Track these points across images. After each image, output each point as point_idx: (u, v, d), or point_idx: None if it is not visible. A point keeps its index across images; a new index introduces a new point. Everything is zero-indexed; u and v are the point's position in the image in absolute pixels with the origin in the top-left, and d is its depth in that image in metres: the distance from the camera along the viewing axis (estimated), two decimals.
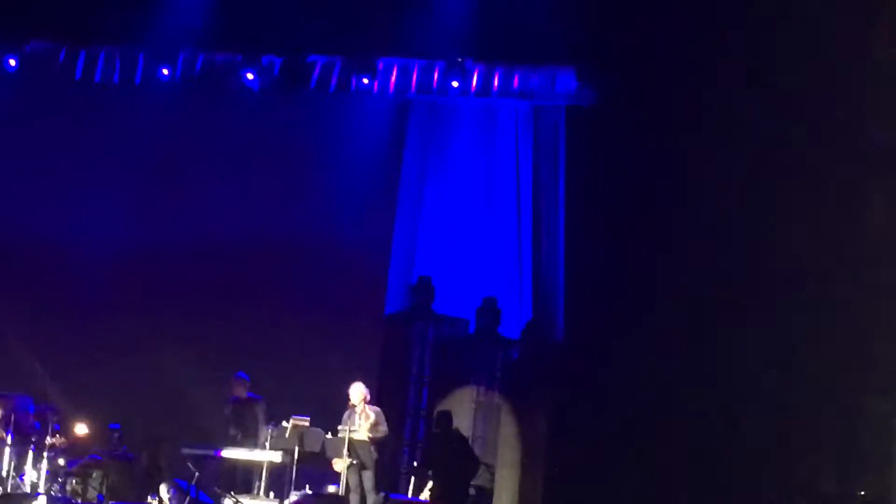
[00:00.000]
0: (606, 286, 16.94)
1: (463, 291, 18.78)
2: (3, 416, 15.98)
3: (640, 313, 16.53)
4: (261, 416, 16.56)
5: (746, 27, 16.12)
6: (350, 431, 15.84)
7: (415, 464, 16.73)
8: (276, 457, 15.91)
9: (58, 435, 16.26)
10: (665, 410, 15.80)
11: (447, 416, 16.20)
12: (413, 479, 16.74)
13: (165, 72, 18.87)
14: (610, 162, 17.23)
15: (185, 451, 16.03)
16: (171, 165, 19.15)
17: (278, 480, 16.05)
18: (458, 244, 19.01)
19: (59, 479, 16.18)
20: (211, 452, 16.01)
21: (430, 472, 16.20)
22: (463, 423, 17.05)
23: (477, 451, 17.09)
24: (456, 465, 15.39)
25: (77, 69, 18.96)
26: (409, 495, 16.53)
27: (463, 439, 15.66)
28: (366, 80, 18.44)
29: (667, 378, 15.91)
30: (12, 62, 18.95)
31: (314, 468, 16.24)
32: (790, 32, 15.92)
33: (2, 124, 19.22)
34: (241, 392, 16.88)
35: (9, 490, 15.43)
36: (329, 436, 15.94)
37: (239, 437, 16.58)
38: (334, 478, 16.08)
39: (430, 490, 16.12)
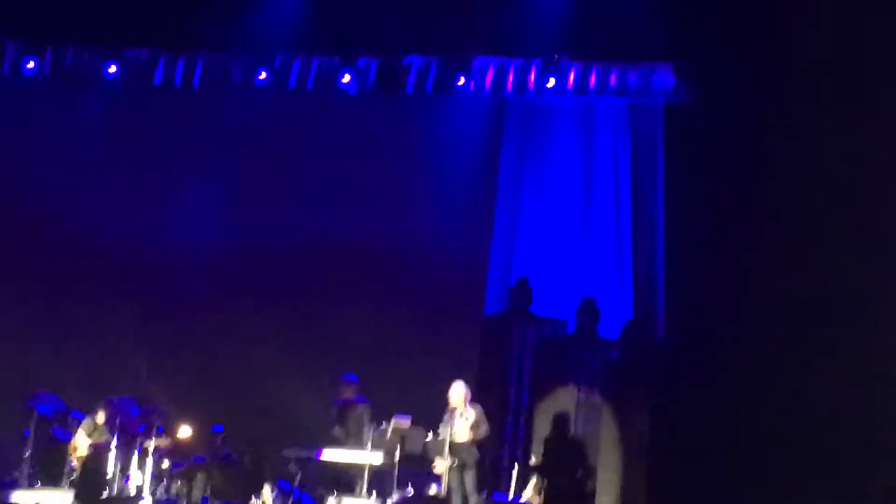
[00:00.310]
0: (707, 285, 16.81)
1: (562, 292, 18.73)
2: (108, 419, 16.15)
3: (740, 312, 16.38)
4: (366, 419, 16.57)
5: (850, 22, 15.91)
6: (451, 432, 15.85)
7: (531, 461, 16.61)
8: (378, 458, 15.94)
9: (162, 437, 16.42)
10: (768, 409, 15.64)
11: (565, 419, 16.05)
12: (515, 478, 16.67)
13: (262, 76, 19.01)
14: (708, 159, 17.08)
15: (288, 452, 16.12)
16: (270, 169, 19.30)
17: (381, 481, 16.07)
18: (556, 244, 18.95)
19: (164, 481, 16.33)
20: (313, 454, 16.07)
21: (537, 472, 16.12)
22: (562, 424, 16.98)
23: None
24: (571, 469, 15.32)
25: (176, 75, 19.14)
26: (511, 495, 16.47)
27: (579, 444, 15.56)
28: (462, 80, 18.45)
29: (769, 377, 15.74)
30: (112, 69, 19.19)
31: (416, 469, 16.25)
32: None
33: (102, 131, 19.45)
34: (350, 395, 16.90)
35: (114, 492, 15.59)
36: (430, 437, 15.95)
37: (343, 438, 16.61)
38: (436, 478, 16.08)
39: (534, 489, 16.05)
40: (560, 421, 16.90)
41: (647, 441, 16.70)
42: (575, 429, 15.97)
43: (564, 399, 17.78)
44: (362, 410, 16.75)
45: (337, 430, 16.76)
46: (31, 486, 15.97)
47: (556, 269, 18.89)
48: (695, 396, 16.08)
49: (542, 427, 17.46)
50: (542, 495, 15.77)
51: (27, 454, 16.52)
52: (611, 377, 17.82)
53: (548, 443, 16.30)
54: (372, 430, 16.13)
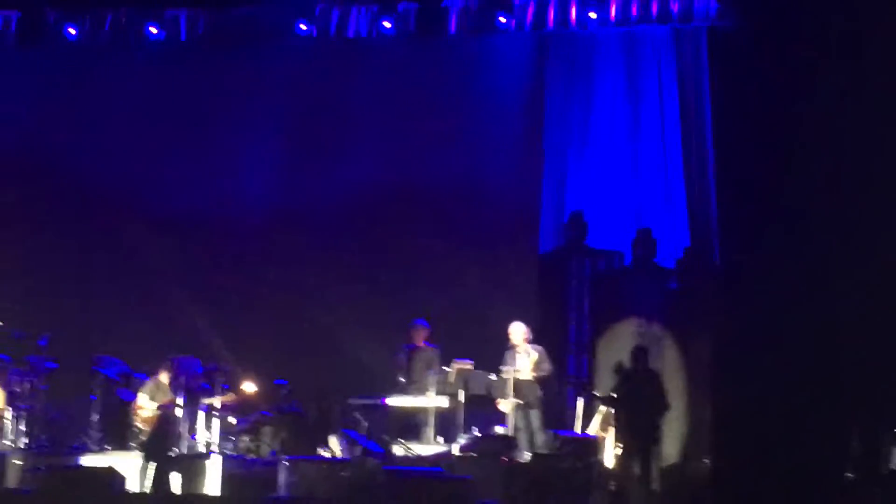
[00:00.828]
0: (761, 207, 16.64)
1: (616, 224, 18.67)
2: (172, 379, 16.24)
3: (797, 233, 16.23)
4: (434, 364, 16.57)
5: None
6: (513, 371, 15.87)
7: (595, 396, 16.59)
8: (443, 402, 15.99)
9: (227, 394, 16.51)
10: (834, 329, 15.51)
11: (643, 352, 15.92)
12: (580, 414, 16.66)
13: (303, 27, 18.98)
14: (755, 82, 16.88)
15: (354, 401, 16.19)
16: (318, 120, 19.31)
17: (446, 425, 16.13)
18: (607, 177, 18.88)
19: (232, 438, 16.43)
20: (378, 401, 16.13)
21: (602, 407, 16.08)
22: (624, 356, 16.93)
23: None
24: (636, 401, 15.25)
25: (217, 32, 19.19)
26: (577, 431, 16.47)
27: (643, 375, 15.47)
28: (503, 19, 18.36)
29: (832, 296, 15.61)
30: (153, 30, 19.23)
31: (481, 411, 16.29)
32: None
33: (147, 92, 19.51)
34: (419, 340, 16.92)
35: (183, 451, 15.69)
36: (493, 377, 15.97)
37: (407, 384, 16.63)
38: (501, 419, 16.11)
39: (600, 424, 16.03)
40: (622, 354, 16.82)
41: (711, 368, 16.59)
42: (637, 360, 15.86)
43: (625, 331, 17.70)
44: (431, 355, 16.76)
45: (403, 377, 16.77)
46: (100, 449, 16.09)
47: (608, 201, 18.83)
48: (757, 321, 15.95)
49: (605, 361, 17.41)
50: (609, 429, 15.74)
51: (94, 418, 16.64)
52: (670, 307, 17.74)
53: (611, 376, 16.22)
54: (433, 374, 16.18)
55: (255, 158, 19.29)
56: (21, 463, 15.14)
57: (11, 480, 14.73)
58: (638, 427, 15.20)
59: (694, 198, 18.39)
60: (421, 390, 16.36)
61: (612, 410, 15.77)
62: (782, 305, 15.68)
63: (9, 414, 16.23)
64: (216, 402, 16.31)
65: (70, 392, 17.04)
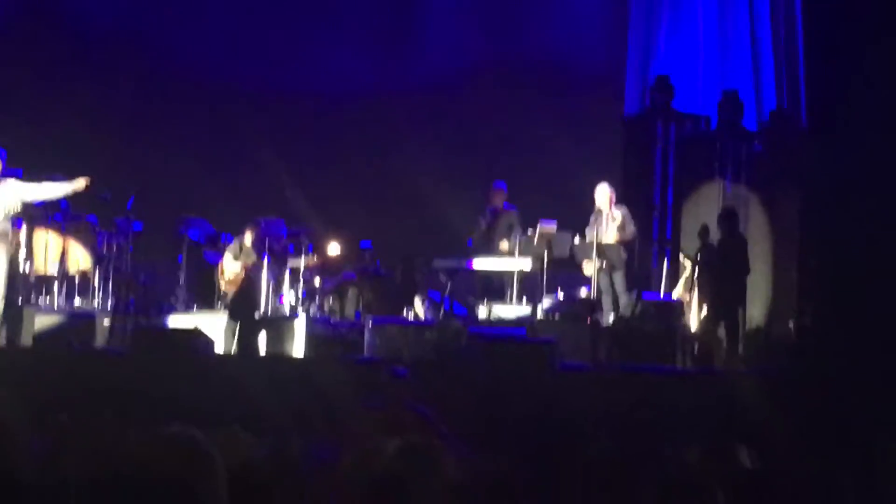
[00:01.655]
0: (849, 69, 16.35)
1: (702, 87, 18.46)
2: (256, 241, 16.31)
3: (885, 96, 15.94)
4: (515, 226, 16.57)
5: None
6: (598, 234, 15.81)
7: (679, 259, 16.53)
8: (527, 264, 15.97)
9: (312, 256, 16.58)
10: None
11: (729, 214, 15.74)
12: (665, 276, 16.63)
13: None
14: None
15: (438, 263, 16.20)
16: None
17: (530, 287, 16.13)
18: (693, 39, 18.62)
19: (317, 299, 16.53)
20: (463, 263, 16.14)
21: (687, 269, 16.02)
22: (710, 219, 16.81)
23: None
24: (722, 263, 15.16)
25: None
26: (661, 294, 16.44)
27: (728, 238, 15.32)
28: None
29: None
30: None
31: (564, 273, 16.27)
32: None
33: None
34: (499, 202, 16.87)
35: (268, 312, 15.82)
36: (577, 240, 15.92)
37: (488, 246, 16.63)
38: (585, 281, 16.10)
39: (684, 286, 15.99)
40: (707, 217, 16.70)
41: (797, 231, 16.43)
42: (723, 223, 15.74)
43: (710, 194, 17.58)
44: (513, 218, 16.74)
45: (486, 240, 16.75)
46: (186, 310, 16.27)
47: (694, 63, 18.59)
48: (844, 182, 15.75)
49: (689, 224, 17.32)
50: (693, 292, 15.69)
51: (181, 280, 16.81)
52: (756, 170, 17.57)
53: (696, 239, 16.13)
54: (519, 236, 16.15)
55: (348, 37, 19.28)
56: (109, 324, 15.32)
57: (99, 341, 14.93)
58: (723, 290, 15.13)
59: (781, 59, 18.11)
60: (506, 253, 16.37)
61: (697, 273, 15.71)
62: (870, 166, 15.45)
63: (96, 275, 16.41)
64: (301, 264, 16.39)
65: (157, 254, 17.21)
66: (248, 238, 16.33)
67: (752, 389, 12.06)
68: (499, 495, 2.30)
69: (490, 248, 16.56)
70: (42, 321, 14.73)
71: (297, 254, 16.52)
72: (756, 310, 16.46)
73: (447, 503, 2.31)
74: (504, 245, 16.37)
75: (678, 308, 15.57)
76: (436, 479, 2.30)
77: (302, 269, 16.38)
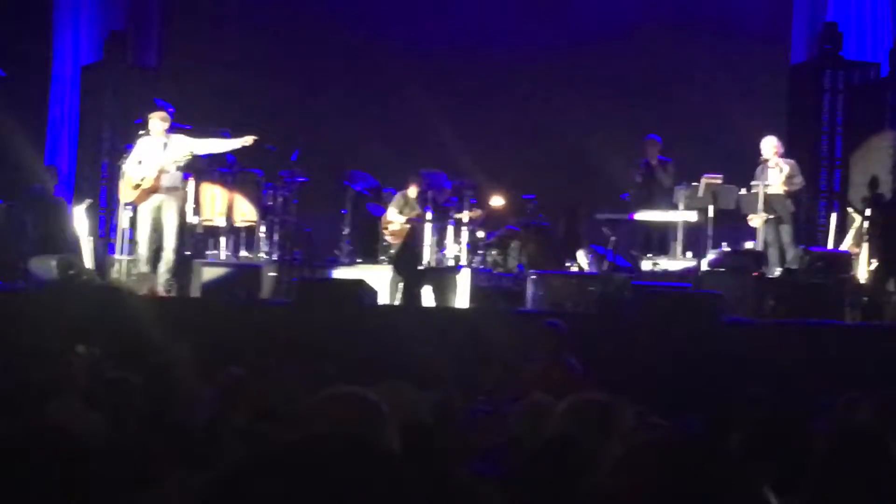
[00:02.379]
0: None
1: (872, 34, 18.04)
2: (420, 193, 16.37)
3: None
4: (671, 178, 16.42)
5: None
6: (764, 186, 15.57)
7: (848, 211, 16.23)
8: (691, 216, 15.81)
9: (475, 208, 16.58)
10: None
11: (882, 165, 15.44)
12: (833, 229, 16.34)
13: None
14: None
15: (601, 216, 16.10)
16: None
17: (695, 240, 15.97)
18: None
19: (479, 252, 16.54)
20: (625, 216, 16.03)
21: (856, 221, 15.72)
22: (880, 171, 16.46)
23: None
24: (892, 216, 14.83)
25: None
26: (830, 246, 16.15)
27: None
28: None
29: None
30: None
31: (730, 225, 16.07)
32: None
33: None
34: (653, 155, 16.72)
35: (432, 264, 15.88)
36: (743, 192, 15.70)
37: (642, 199, 16.47)
38: (751, 234, 15.88)
39: (853, 239, 15.69)
40: (876, 168, 16.36)
41: None
42: (894, 174, 15.41)
43: (879, 145, 17.22)
44: (668, 169, 16.59)
45: (642, 192, 16.60)
46: (351, 262, 16.40)
47: (863, 10, 18.19)
48: None
49: (858, 175, 16.99)
50: (862, 245, 15.38)
51: (345, 232, 16.95)
52: None
53: (865, 191, 15.80)
54: (682, 188, 15.99)
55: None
56: (275, 275, 15.52)
57: (266, 292, 15.12)
58: (893, 242, 14.81)
59: None
60: (665, 205, 16.22)
61: (867, 225, 15.40)
62: None
63: (262, 227, 16.63)
64: (464, 216, 16.41)
65: (321, 206, 17.37)
66: (412, 191, 16.40)
67: None
68: (674, 458, 2.26)
69: (646, 201, 16.39)
70: (209, 273, 14.97)
71: (461, 206, 16.53)
72: None
73: (623, 466, 2.27)
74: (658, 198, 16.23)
75: (847, 261, 15.27)
76: (611, 440, 2.27)
77: (465, 221, 16.40)
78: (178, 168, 14.86)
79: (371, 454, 2.04)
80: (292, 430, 3.47)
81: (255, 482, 2.01)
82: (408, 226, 16.10)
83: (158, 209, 14.74)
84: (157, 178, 14.66)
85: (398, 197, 16.49)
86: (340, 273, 15.72)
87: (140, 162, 14.79)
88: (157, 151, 14.77)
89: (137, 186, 14.76)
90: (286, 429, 3.56)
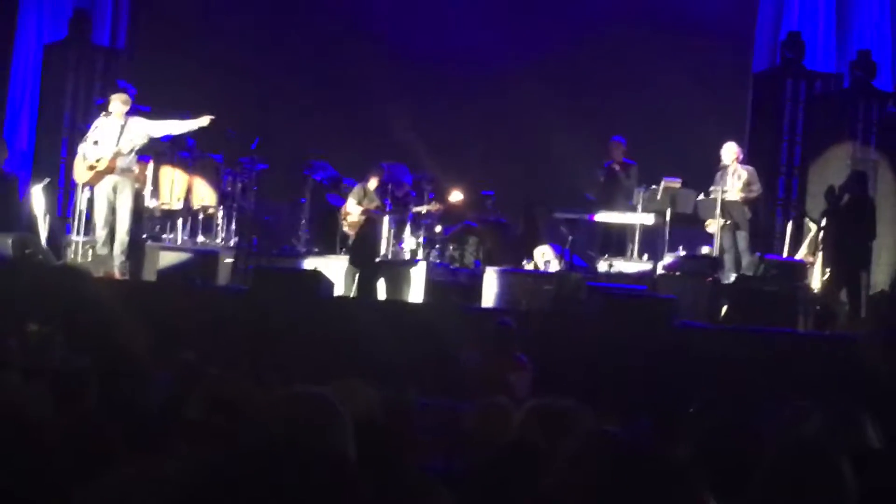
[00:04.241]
0: None
1: (835, 45, 18.14)
2: (379, 186, 16.38)
3: None
4: (633, 181, 16.50)
5: None
6: (722, 192, 15.64)
7: (805, 220, 16.32)
8: (649, 219, 15.87)
9: (433, 203, 16.61)
10: None
11: (859, 176, 15.55)
12: (789, 237, 16.44)
13: None
14: None
15: (560, 215, 16.14)
16: None
17: (651, 242, 16.04)
18: None
19: (437, 246, 16.57)
20: (584, 216, 16.07)
21: (812, 231, 15.81)
22: (837, 181, 16.56)
23: None
24: (846, 227, 14.94)
25: None
26: (785, 254, 16.25)
27: (856, 200, 15.06)
28: None
29: None
30: None
31: (687, 230, 16.15)
32: None
33: None
34: (618, 156, 16.76)
35: (388, 257, 15.90)
36: (701, 197, 15.78)
37: (605, 200, 16.51)
38: (707, 239, 15.96)
39: (808, 248, 15.78)
40: (834, 178, 16.45)
41: None
42: (851, 185, 15.49)
43: (838, 155, 17.30)
44: (631, 173, 16.65)
45: (602, 194, 16.65)
46: (308, 252, 16.39)
47: (827, 20, 18.27)
48: None
49: (816, 185, 17.08)
50: (817, 254, 15.48)
51: (303, 221, 16.94)
52: (888, 131, 17.23)
53: (822, 200, 15.90)
54: (641, 190, 16.05)
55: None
56: (231, 261, 15.50)
57: (222, 278, 15.11)
58: (847, 252, 14.92)
59: None
60: (624, 207, 16.27)
61: (822, 235, 15.50)
62: None
63: (220, 213, 16.60)
64: (423, 210, 16.44)
65: (280, 195, 17.35)
66: (372, 182, 16.38)
67: (874, 355, 11.88)
68: (623, 464, 2.29)
69: (608, 203, 16.44)
70: (166, 257, 14.94)
71: (420, 200, 16.56)
72: (881, 275, 16.20)
73: (569, 470, 2.30)
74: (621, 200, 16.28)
75: (801, 269, 15.37)
76: (569, 446, 2.30)
77: (423, 213, 16.42)
78: (133, 151, 14.81)
79: (327, 463, 2.06)
80: (249, 427, 3.48)
81: (214, 487, 2.03)
82: (366, 218, 16.08)
83: (113, 190, 14.68)
84: (113, 160, 14.60)
85: (357, 188, 16.46)
86: (297, 262, 15.71)
87: (96, 142, 14.73)
88: (115, 133, 14.70)
89: (92, 168, 14.70)
90: (243, 424, 3.57)
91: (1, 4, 18.55)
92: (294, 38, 19.43)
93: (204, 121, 14.94)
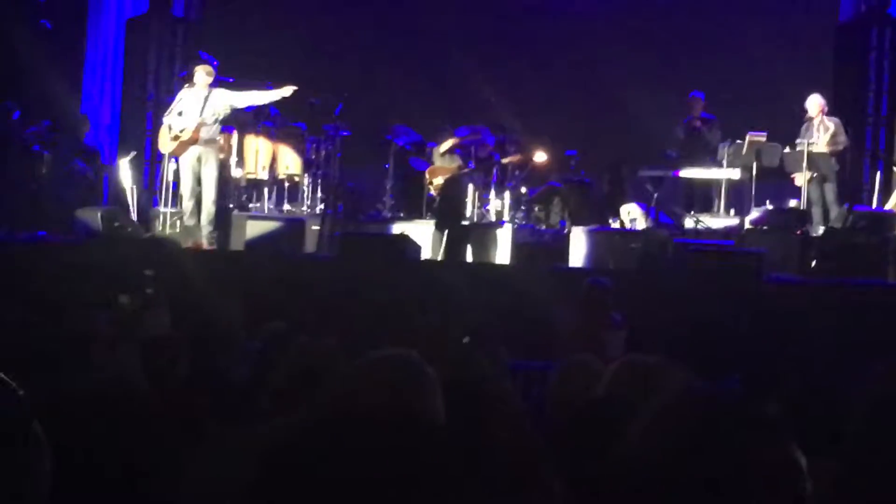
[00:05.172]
0: None
1: None
2: (459, 147, 16.37)
3: None
4: (716, 135, 16.38)
5: None
6: (809, 144, 15.49)
7: (894, 169, 16.13)
8: (735, 174, 15.76)
9: (516, 154, 16.59)
10: None
11: None
12: (878, 188, 16.26)
13: None
14: None
15: (644, 172, 16.07)
16: None
17: (738, 197, 15.93)
18: None
19: (522, 207, 16.55)
20: (669, 173, 15.99)
21: None
22: None
23: None
24: None
25: None
26: (874, 205, 16.07)
27: None
28: None
29: None
30: None
31: (774, 183, 16.02)
32: None
33: None
34: (697, 112, 16.65)
35: (474, 219, 15.90)
36: (787, 150, 15.64)
37: (686, 156, 16.39)
38: (795, 192, 15.82)
39: None
40: None
41: None
42: None
43: None
44: (713, 127, 16.53)
45: (684, 150, 16.54)
46: (393, 217, 16.43)
47: None
48: None
49: None
50: None
51: (388, 186, 16.98)
52: None
53: None
54: (726, 145, 15.93)
55: None
56: (318, 228, 15.56)
57: (309, 245, 15.18)
58: None
59: None
60: (705, 163, 16.15)
61: None
62: None
63: (305, 180, 16.69)
64: (506, 161, 16.43)
65: (364, 160, 17.39)
66: (444, 146, 16.40)
67: None
68: (711, 418, 2.29)
69: (690, 159, 16.33)
70: (253, 226, 15.04)
71: (503, 164, 16.55)
72: None
73: (666, 425, 2.30)
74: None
75: (890, 220, 15.17)
76: (656, 401, 2.29)
77: (507, 174, 16.41)
78: (217, 121, 14.96)
79: (416, 430, 2.07)
80: (335, 395, 3.50)
81: (302, 455, 2.05)
82: (450, 181, 16.07)
83: (198, 161, 14.83)
84: (196, 131, 14.76)
85: (442, 149, 16.51)
86: (383, 227, 15.76)
87: (180, 114, 14.89)
88: (198, 104, 14.86)
89: (177, 138, 14.86)
90: (328, 392, 3.59)
91: None
92: (372, 3, 19.44)
93: (287, 91, 15.04)
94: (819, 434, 3.93)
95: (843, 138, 15.77)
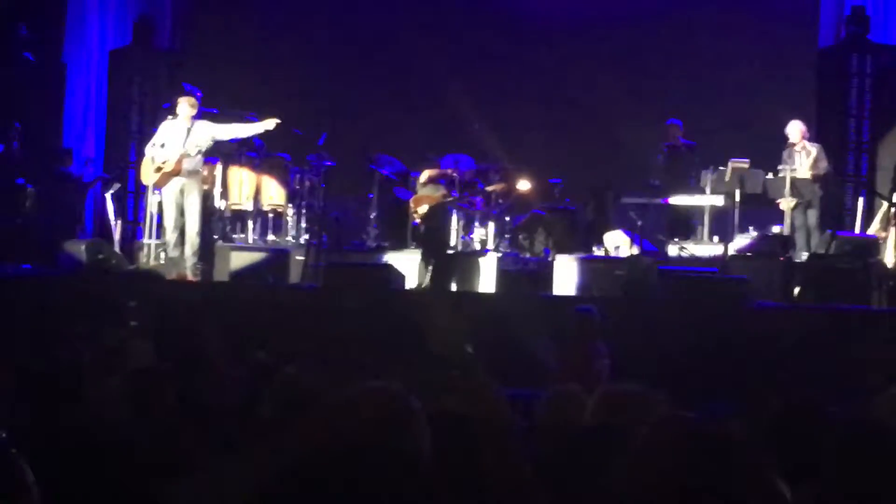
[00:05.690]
0: None
1: None
2: (442, 176, 16.39)
3: None
4: (695, 162, 16.42)
5: None
6: (791, 170, 15.55)
7: (875, 196, 16.17)
8: (719, 200, 15.81)
9: (499, 183, 16.60)
10: None
11: None
12: (860, 213, 16.31)
13: None
14: None
15: (628, 199, 16.10)
16: None
17: (721, 224, 15.96)
18: None
19: (506, 235, 16.56)
20: (655, 200, 16.02)
21: (883, 206, 15.68)
22: None
23: None
24: None
25: None
26: (857, 231, 16.12)
27: None
28: None
29: None
30: None
31: (757, 210, 16.07)
32: None
33: None
34: (675, 138, 16.70)
35: (458, 248, 15.90)
36: (770, 176, 15.69)
37: (667, 183, 16.43)
38: (778, 218, 15.87)
39: (880, 223, 15.64)
40: None
41: None
42: None
43: None
44: (692, 154, 16.57)
45: (665, 176, 16.57)
46: (378, 247, 16.42)
47: None
48: None
49: (886, 160, 16.94)
50: (890, 229, 15.33)
51: (372, 216, 16.99)
52: None
53: (892, 175, 15.76)
54: (708, 172, 15.97)
55: None
56: (302, 259, 15.55)
57: (293, 276, 15.18)
58: None
59: None
60: (684, 189, 16.19)
61: (893, 210, 15.36)
62: None
63: (290, 211, 16.70)
64: (489, 189, 16.44)
65: (348, 191, 17.40)
66: (423, 176, 16.45)
67: None
68: (694, 447, 2.30)
69: (673, 186, 16.36)
70: (237, 257, 15.04)
71: (487, 193, 16.56)
72: None
73: (651, 453, 2.32)
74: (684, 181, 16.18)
75: (874, 245, 15.22)
76: (642, 430, 2.31)
77: (490, 196, 16.42)
78: (200, 153, 15.00)
79: (399, 464, 2.09)
80: (321, 426, 3.50)
81: (289, 486, 2.06)
82: (434, 210, 16.09)
83: (181, 193, 14.86)
84: (179, 162, 14.81)
85: (426, 179, 16.55)
86: (368, 257, 15.75)
87: (163, 145, 14.92)
88: (181, 135, 14.90)
89: (159, 169, 14.89)
90: (315, 423, 3.60)
91: (59, 13, 18.71)
92: (355, 32, 19.47)
93: (270, 124, 15.10)
94: (802, 459, 3.94)
95: (824, 164, 15.84)
